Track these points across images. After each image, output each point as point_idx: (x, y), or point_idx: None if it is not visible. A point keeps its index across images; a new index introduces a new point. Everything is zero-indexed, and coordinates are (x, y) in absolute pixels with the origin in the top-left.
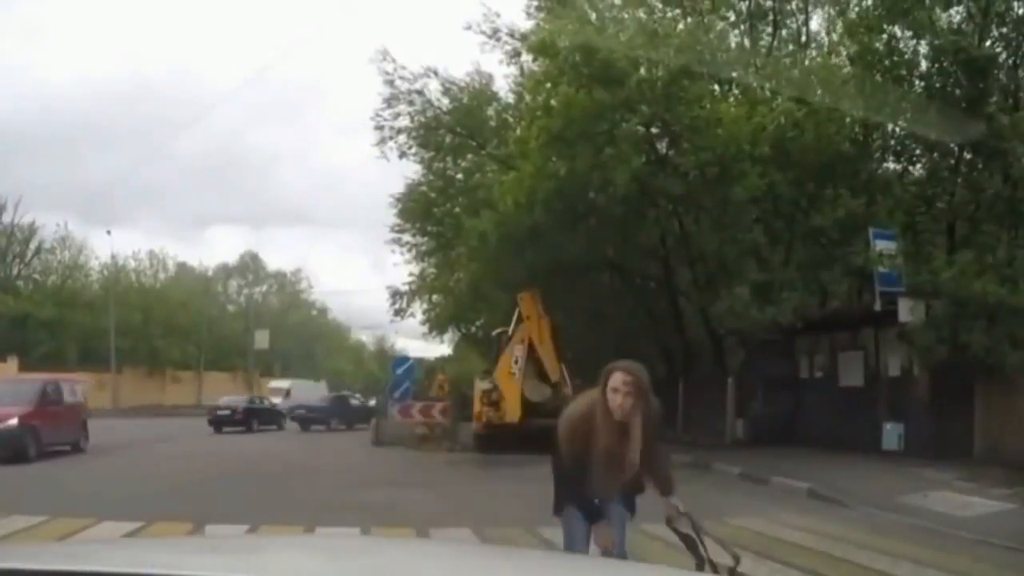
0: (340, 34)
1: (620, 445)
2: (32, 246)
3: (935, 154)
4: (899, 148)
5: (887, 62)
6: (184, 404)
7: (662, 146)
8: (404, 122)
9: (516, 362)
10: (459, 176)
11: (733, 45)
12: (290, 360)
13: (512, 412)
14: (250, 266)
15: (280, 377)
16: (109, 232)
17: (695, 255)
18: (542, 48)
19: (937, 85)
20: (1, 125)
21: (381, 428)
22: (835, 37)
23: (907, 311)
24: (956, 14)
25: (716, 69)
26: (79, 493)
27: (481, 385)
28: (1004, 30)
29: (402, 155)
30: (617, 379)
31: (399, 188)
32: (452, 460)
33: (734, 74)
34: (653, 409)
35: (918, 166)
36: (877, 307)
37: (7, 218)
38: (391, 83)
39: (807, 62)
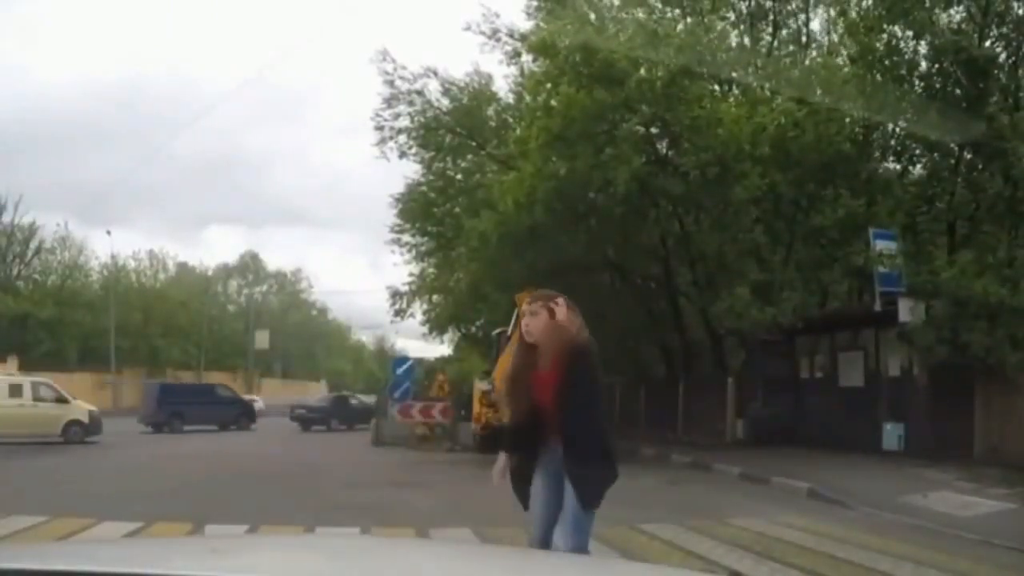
0: (340, 34)
1: (527, 368)
2: (32, 246)
3: (935, 154)
4: (899, 148)
5: (887, 62)
6: None
7: (662, 146)
8: (404, 122)
9: None
10: (459, 176)
11: (733, 45)
12: (290, 360)
13: None
14: (250, 266)
15: (282, 378)
16: (109, 232)
17: (695, 255)
18: (542, 48)
19: (937, 85)
20: (1, 125)
21: (381, 428)
22: (835, 37)
23: (907, 311)
24: (956, 14)
25: (716, 69)
26: (79, 493)
27: (480, 386)
28: (1004, 30)
29: (402, 155)
30: (524, 306)
31: (399, 188)
32: (452, 460)
33: (734, 74)
34: (575, 344)
35: (918, 166)
36: (877, 307)
37: (7, 218)
38: (391, 83)
39: (807, 62)
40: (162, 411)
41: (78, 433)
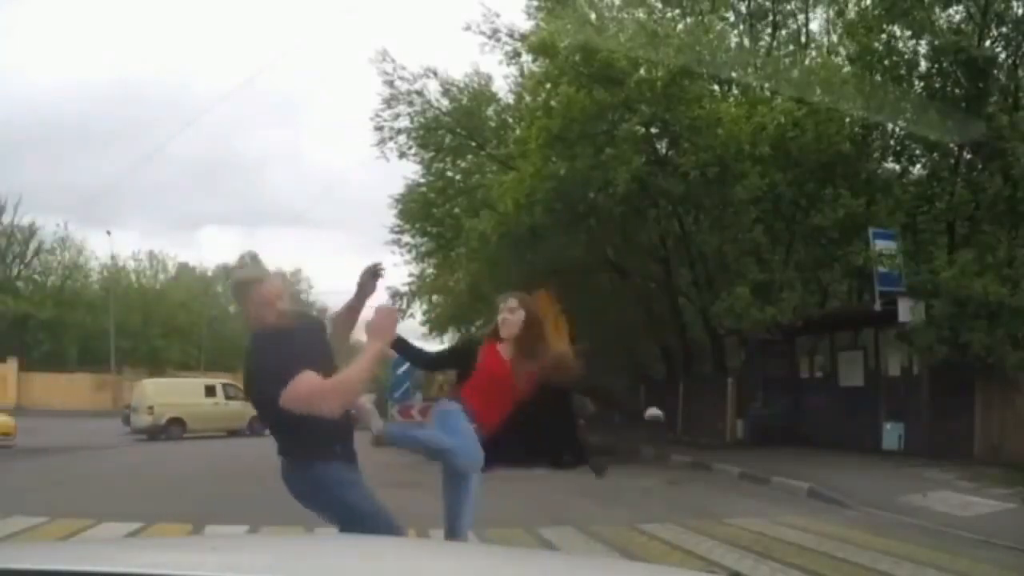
0: (339, 35)
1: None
2: (32, 247)
3: (935, 154)
4: (899, 148)
5: (887, 62)
6: None
7: (662, 146)
8: (404, 123)
9: None
10: (458, 177)
11: (733, 45)
12: None
13: None
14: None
15: None
16: (109, 233)
17: (695, 255)
18: (542, 48)
19: (937, 85)
20: (1, 126)
21: None
22: (835, 37)
23: (907, 311)
24: (955, 14)
25: (716, 69)
26: (79, 493)
27: None
28: (1004, 30)
29: (402, 155)
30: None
31: (398, 189)
32: None
33: (734, 74)
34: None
35: (918, 166)
36: (877, 307)
37: (7, 219)
38: (390, 83)
39: (807, 62)
40: None
41: (261, 427)
